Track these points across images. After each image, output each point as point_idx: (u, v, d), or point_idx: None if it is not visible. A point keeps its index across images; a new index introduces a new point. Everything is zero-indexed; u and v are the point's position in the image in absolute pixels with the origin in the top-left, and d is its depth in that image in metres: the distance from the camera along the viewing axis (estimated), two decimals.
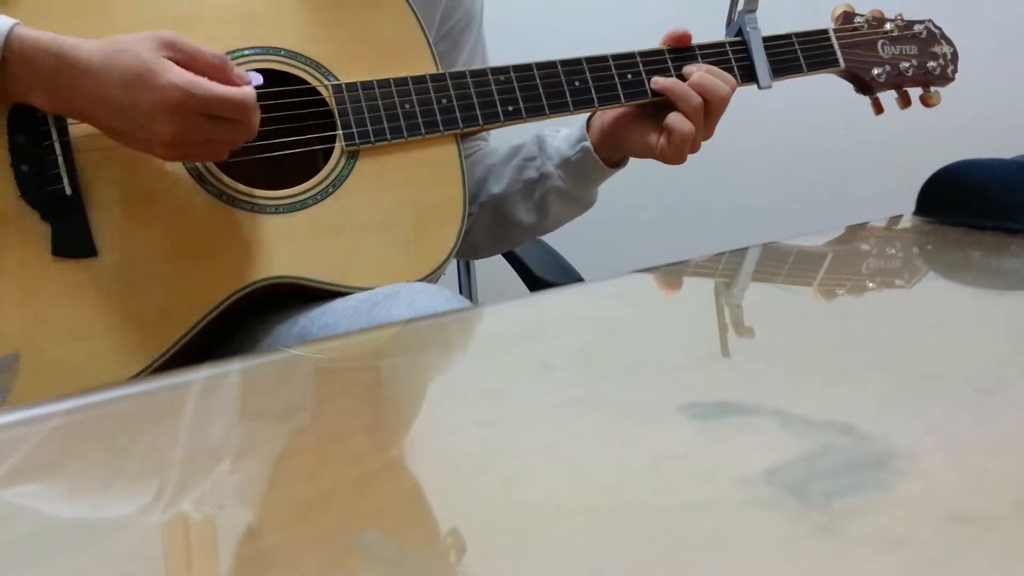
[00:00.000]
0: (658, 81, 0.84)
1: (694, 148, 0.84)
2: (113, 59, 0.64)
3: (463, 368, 0.43)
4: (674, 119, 0.82)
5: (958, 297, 0.50)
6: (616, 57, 0.85)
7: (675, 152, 0.83)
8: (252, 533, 0.25)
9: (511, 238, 0.99)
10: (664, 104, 0.83)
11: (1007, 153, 0.71)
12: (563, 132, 0.91)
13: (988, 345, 0.39)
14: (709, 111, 0.83)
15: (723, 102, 0.83)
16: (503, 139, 1.03)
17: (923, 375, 0.34)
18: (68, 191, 0.67)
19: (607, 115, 0.87)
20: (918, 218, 0.69)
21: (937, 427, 0.29)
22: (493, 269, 1.27)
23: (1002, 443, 0.27)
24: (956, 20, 1.11)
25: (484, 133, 0.99)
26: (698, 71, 0.83)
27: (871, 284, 0.56)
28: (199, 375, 0.39)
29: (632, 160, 0.92)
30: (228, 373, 0.41)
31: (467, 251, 1.00)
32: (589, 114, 0.88)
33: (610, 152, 0.88)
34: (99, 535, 0.26)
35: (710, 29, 0.92)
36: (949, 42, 0.98)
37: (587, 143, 0.87)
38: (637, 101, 0.85)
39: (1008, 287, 0.51)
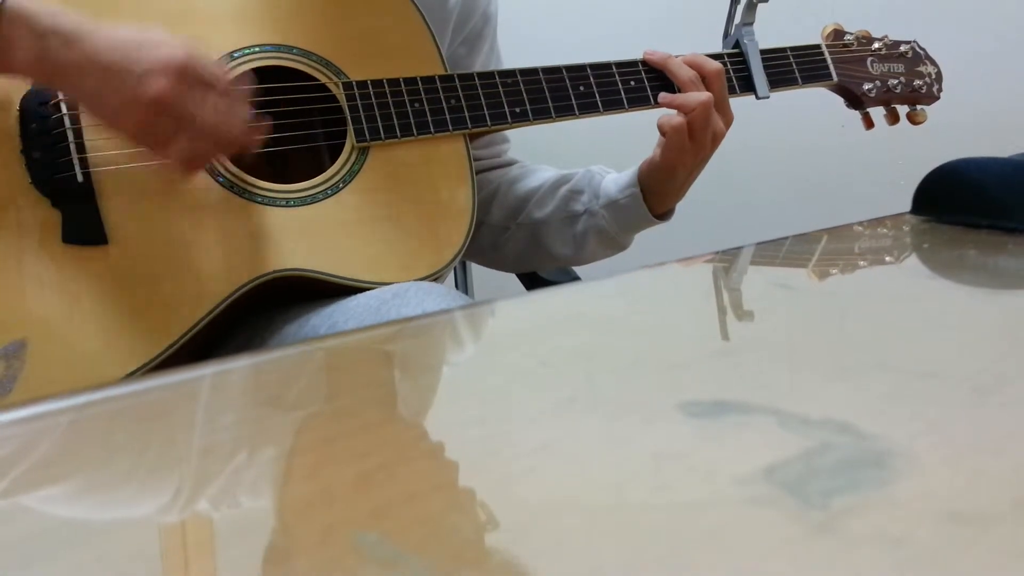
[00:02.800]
0: (651, 54, 0.87)
1: (716, 136, 0.85)
2: (117, 27, 0.63)
3: (462, 366, 0.43)
4: (666, 122, 0.84)
5: (955, 296, 0.50)
6: (619, 64, 0.87)
7: (690, 124, 0.83)
8: (250, 532, 0.25)
9: (539, 263, 1.00)
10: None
11: (1005, 152, 0.71)
12: (613, 174, 0.93)
13: (986, 344, 0.39)
14: (709, 85, 0.84)
15: (716, 72, 0.85)
16: (518, 144, 1.04)
17: (921, 374, 0.34)
18: (80, 178, 0.67)
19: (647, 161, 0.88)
20: (915, 216, 0.69)
21: (935, 426, 0.29)
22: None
23: (1000, 442, 0.27)
24: (955, 19, 1.12)
25: (505, 134, 1.00)
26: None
27: (868, 282, 0.56)
28: (205, 371, 0.39)
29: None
30: (233, 370, 0.41)
31: (494, 264, 1.02)
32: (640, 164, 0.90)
33: (655, 198, 0.89)
34: (97, 534, 0.26)
35: (707, 36, 0.93)
36: (933, 62, 1.02)
37: (636, 189, 0.88)
38: (640, 107, 0.86)
39: (1005, 286, 0.52)
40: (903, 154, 1.37)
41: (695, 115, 0.82)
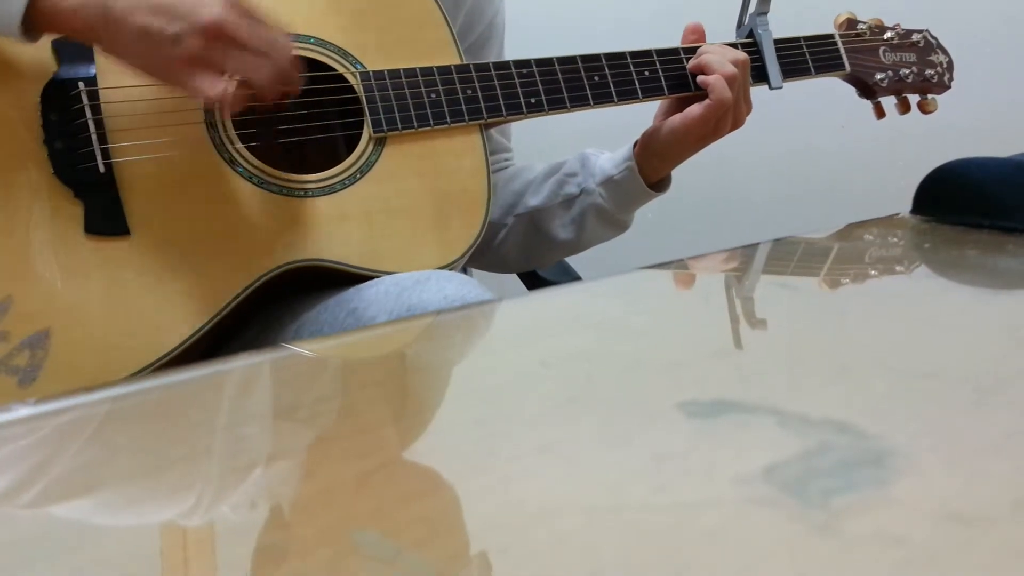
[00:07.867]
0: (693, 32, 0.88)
1: (737, 120, 0.86)
2: None
3: (461, 367, 0.43)
4: (708, 79, 0.84)
5: (955, 296, 0.50)
6: (634, 54, 0.87)
7: (716, 103, 0.83)
8: (250, 532, 0.25)
9: (542, 254, 0.99)
10: (689, 100, 0.86)
11: (1005, 152, 0.71)
12: (608, 153, 0.93)
13: (986, 344, 0.39)
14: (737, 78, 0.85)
15: (744, 62, 0.86)
16: (524, 139, 1.03)
17: (921, 374, 0.34)
18: (101, 169, 0.67)
19: (646, 131, 0.89)
20: (915, 216, 0.69)
21: (935, 426, 0.29)
22: None
23: (1000, 442, 0.27)
24: (955, 18, 1.12)
25: (508, 143, 1.01)
26: (711, 51, 0.86)
27: (868, 283, 0.56)
28: (205, 372, 0.39)
29: None
30: (231, 371, 0.41)
31: (496, 265, 1.01)
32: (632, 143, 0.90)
33: (654, 161, 0.89)
34: (97, 535, 0.26)
35: (719, 27, 0.93)
36: (945, 52, 1.02)
37: (631, 163, 0.89)
38: (654, 97, 0.87)
39: (1005, 286, 0.52)
40: (903, 154, 1.37)
41: (736, 79, 0.83)
